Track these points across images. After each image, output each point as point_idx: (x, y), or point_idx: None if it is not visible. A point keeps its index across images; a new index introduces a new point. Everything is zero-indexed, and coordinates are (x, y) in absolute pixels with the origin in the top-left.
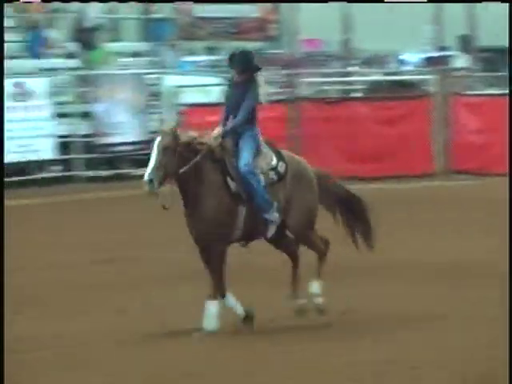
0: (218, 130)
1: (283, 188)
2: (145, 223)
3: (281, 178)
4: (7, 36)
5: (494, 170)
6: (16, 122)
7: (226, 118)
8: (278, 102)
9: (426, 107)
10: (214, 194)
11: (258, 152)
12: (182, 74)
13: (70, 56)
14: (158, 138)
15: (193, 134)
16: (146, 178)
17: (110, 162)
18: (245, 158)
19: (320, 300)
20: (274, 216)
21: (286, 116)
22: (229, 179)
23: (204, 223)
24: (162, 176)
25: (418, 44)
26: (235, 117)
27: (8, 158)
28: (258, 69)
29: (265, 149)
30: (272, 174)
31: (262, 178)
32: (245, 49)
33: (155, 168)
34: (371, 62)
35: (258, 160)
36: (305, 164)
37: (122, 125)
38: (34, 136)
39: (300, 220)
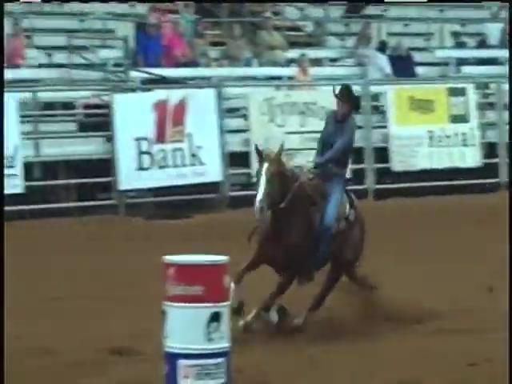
0: (309, 165)
1: (347, 233)
2: None
3: (349, 226)
4: None
5: None
6: None
7: (320, 152)
8: None
9: None
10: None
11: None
12: None
13: None
14: (266, 165)
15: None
16: (258, 205)
17: None
18: (332, 211)
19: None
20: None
21: None
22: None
23: (292, 250)
24: (269, 204)
25: None
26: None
27: None
28: (359, 108)
29: (344, 195)
30: (343, 222)
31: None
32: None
33: (265, 195)
34: None
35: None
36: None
37: None
38: None
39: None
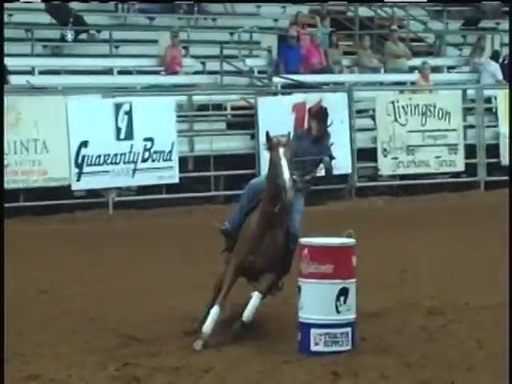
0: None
1: None
2: None
3: None
4: None
5: None
6: None
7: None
8: None
9: None
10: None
11: None
12: None
13: None
14: (282, 149)
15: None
16: (289, 184)
17: None
18: (297, 222)
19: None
20: None
21: None
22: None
23: (276, 255)
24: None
25: None
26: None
27: None
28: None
29: None
30: None
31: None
32: None
33: (291, 177)
34: None
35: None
36: None
37: None
38: None
39: None
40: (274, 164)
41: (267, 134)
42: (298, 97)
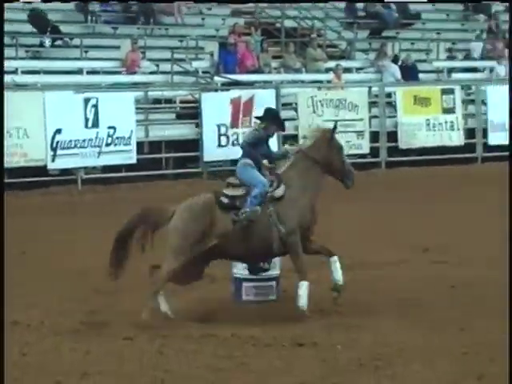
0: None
1: None
2: None
3: None
4: None
5: None
6: None
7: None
8: None
9: None
10: None
11: None
12: None
13: None
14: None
15: None
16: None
17: None
18: None
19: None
20: None
21: None
22: None
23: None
24: None
25: None
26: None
27: None
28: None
29: None
30: None
31: None
32: None
33: None
34: None
35: None
36: None
37: None
38: None
39: None
40: (338, 149)
41: (335, 125)
42: (234, 93)
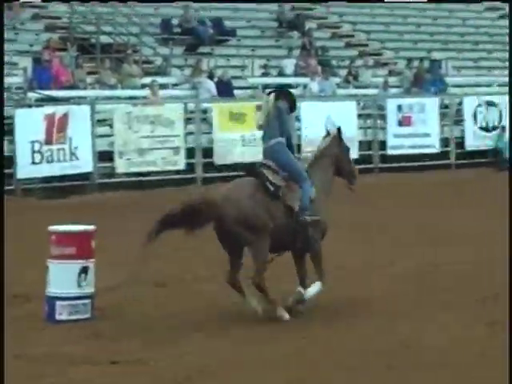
0: None
1: None
2: None
3: None
4: None
5: None
6: None
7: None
8: None
9: None
10: None
11: None
12: None
13: None
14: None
15: None
16: None
17: None
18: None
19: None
20: None
21: None
22: None
23: None
24: None
25: None
26: None
27: None
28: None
29: None
30: None
31: None
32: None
33: None
34: None
35: None
36: None
37: None
38: None
39: None
40: (347, 150)
41: (339, 127)
42: (48, 109)
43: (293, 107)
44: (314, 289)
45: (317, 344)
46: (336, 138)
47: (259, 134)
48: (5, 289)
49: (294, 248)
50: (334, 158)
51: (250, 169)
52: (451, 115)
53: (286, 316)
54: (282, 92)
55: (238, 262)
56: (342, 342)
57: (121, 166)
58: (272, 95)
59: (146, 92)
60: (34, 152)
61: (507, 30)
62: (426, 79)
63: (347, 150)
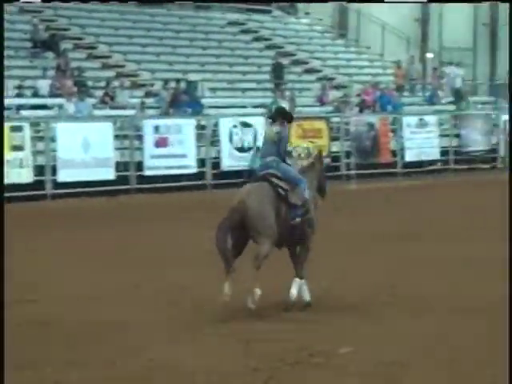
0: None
1: None
2: None
3: None
4: None
5: None
6: None
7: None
8: None
9: None
10: None
11: None
12: None
13: None
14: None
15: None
16: None
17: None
18: None
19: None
20: None
21: None
22: None
23: None
24: None
25: None
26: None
27: None
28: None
29: None
30: None
31: None
32: None
33: None
34: None
35: None
36: None
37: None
38: None
39: None
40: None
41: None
42: None
43: (290, 121)
44: (295, 289)
45: None
46: (317, 155)
47: (13, 155)
48: None
49: (292, 242)
50: (317, 173)
51: (260, 176)
52: (207, 136)
53: (253, 307)
54: (277, 115)
55: (239, 250)
56: None
57: None
58: (269, 121)
59: None
60: None
61: (261, 53)
62: (183, 100)
63: (324, 165)
